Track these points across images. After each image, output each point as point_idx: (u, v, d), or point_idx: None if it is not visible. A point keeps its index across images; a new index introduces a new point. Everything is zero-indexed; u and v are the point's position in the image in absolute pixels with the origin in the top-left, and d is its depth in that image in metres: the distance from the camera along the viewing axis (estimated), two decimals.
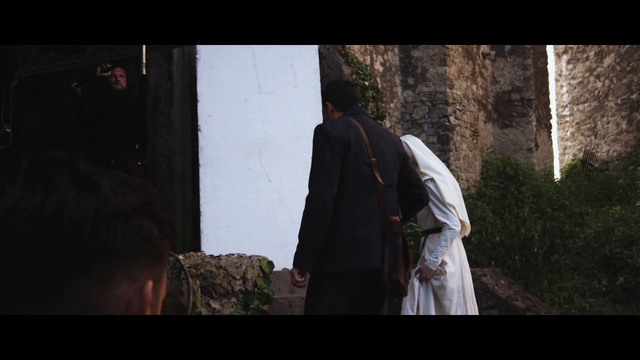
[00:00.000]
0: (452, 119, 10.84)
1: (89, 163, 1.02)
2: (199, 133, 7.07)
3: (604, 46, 15.65)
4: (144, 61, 6.98)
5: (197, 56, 7.15)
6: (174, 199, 7.45)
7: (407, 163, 4.33)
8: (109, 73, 7.14)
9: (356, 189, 3.97)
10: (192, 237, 7.20)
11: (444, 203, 4.92)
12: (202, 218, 6.91)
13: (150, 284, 1.02)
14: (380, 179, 3.99)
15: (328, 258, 3.89)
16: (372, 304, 4.02)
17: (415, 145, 5.16)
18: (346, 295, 3.86)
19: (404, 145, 5.13)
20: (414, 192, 4.31)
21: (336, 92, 4.31)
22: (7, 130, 7.47)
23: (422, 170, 5.04)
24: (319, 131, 4.05)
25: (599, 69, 15.66)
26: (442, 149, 10.68)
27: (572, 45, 16.06)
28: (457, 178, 10.57)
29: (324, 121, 4.31)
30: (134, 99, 7.47)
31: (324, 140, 3.99)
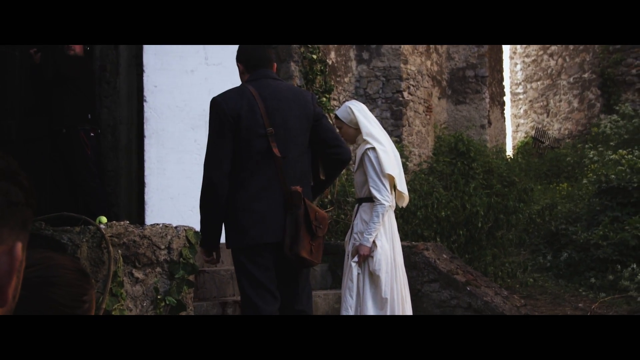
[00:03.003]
0: (405, 94, 10.89)
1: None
2: (145, 104, 7.00)
3: None
4: None
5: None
6: (119, 169, 7.38)
7: (321, 122, 4.15)
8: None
9: (251, 161, 3.89)
10: (137, 209, 7.15)
11: (380, 175, 4.90)
12: (146, 189, 6.86)
13: (19, 244, 1.06)
14: (276, 150, 3.88)
15: (231, 234, 3.91)
16: (287, 276, 4.02)
17: (360, 111, 5.12)
18: (262, 267, 3.85)
19: (348, 112, 5.12)
20: (332, 151, 4.18)
21: (245, 53, 4.15)
22: None
23: (364, 137, 5.01)
24: (210, 105, 3.97)
25: (552, 48, 15.81)
26: (395, 125, 10.73)
27: None
28: (410, 153, 10.65)
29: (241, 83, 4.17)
30: (88, 66, 7.31)
31: (213, 115, 3.93)
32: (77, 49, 7.10)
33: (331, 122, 5.11)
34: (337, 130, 5.22)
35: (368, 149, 4.96)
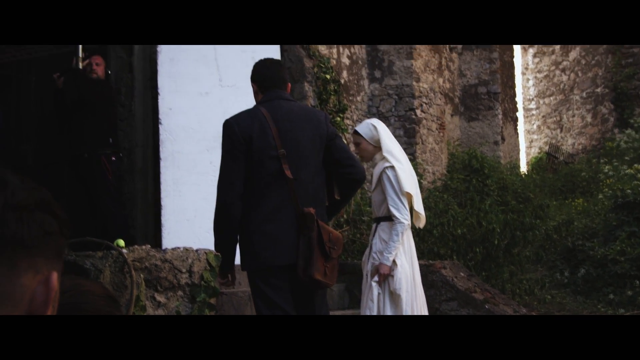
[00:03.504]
0: (418, 112, 10.89)
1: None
2: (160, 126, 7.04)
3: None
4: (80, 55, 6.86)
5: (158, 49, 7.11)
6: (135, 192, 7.41)
7: (335, 142, 4.13)
8: (86, 62, 6.96)
9: (263, 183, 3.88)
10: (154, 231, 7.17)
11: (399, 193, 4.91)
12: (163, 212, 6.89)
13: (55, 274, 1.09)
14: (288, 172, 3.87)
15: (245, 256, 3.91)
16: (303, 297, 3.99)
17: (382, 128, 5.15)
18: (276, 288, 3.83)
19: (371, 129, 5.13)
20: (346, 171, 4.14)
21: (259, 72, 4.14)
22: None
23: (384, 154, 5.02)
24: (223, 128, 3.96)
25: (564, 63, 15.80)
26: (409, 142, 10.72)
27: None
28: (424, 171, 10.64)
29: (255, 103, 4.18)
30: (110, 89, 7.27)
31: (226, 137, 3.93)
32: (99, 71, 7.07)
33: (345, 141, 5.12)
34: (355, 147, 5.23)
35: (387, 167, 4.97)
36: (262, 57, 4.28)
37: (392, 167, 4.95)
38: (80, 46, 6.73)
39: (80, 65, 6.88)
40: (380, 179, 5.01)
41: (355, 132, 5.19)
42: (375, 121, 5.25)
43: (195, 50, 7.26)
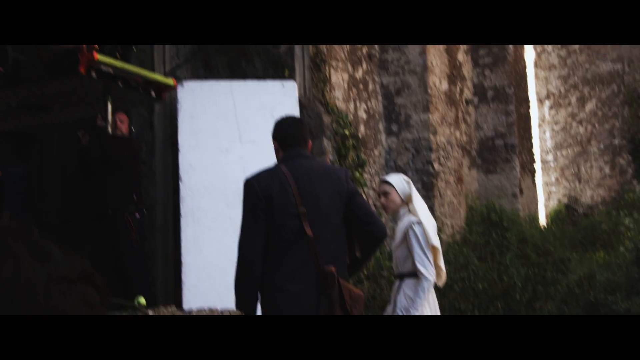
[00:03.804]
0: (436, 165, 10.91)
1: (40, 233, 1.12)
2: (180, 183, 7.08)
3: (585, 92, 15.82)
4: (109, 119, 6.94)
5: (178, 106, 7.18)
6: (155, 249, 7.42)
7: (355, 199, 4.11)
8: (110, 119, 7.00)
9: (284, 242, 3.86)
10: (175, 289, 7.15)
11: (426, 249, 4.90)
12: (183, 269, 6.87)
13: None
14: (309, 230, 3.85)
15: (267, 314, 3.90)
16: None
17: (413, 185, 5.18)
18: None
19: (404, 183, 5.13)
20: (367, 229, 4.11)
21: (280, 130, 4.17)
22: None
23: (416, 209, 5.02)
24: (244, 186, 3.97)
25: (581, 115, 15.81)
26: (427, 196, 10.70)
27: (554, 92, 16.23)
28: (442, 225, 10.60)
29: (276, 160, 4.21)
30: (134, 146, 7.30)
31: (246, 195, 3.93)
32: (124, 128, 7.12)
33: (364, 197, 5.12)
34: (382, 196, 5.20)
35: (414, 223, 4.96)
36: (282, 114, 4.32)
37: (420, 223, 4.95)
38: (109, 106, 6.79)
39: (105, 123, 6.94)
40: (406, 235, 4.99)
41: (386, 182, 5.17)
42: (406, 177, 5.26)
43: (215, 107, 7.33)
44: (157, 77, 2.01)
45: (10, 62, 1.84)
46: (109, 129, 6.89)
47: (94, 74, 1.91)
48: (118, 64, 1.93)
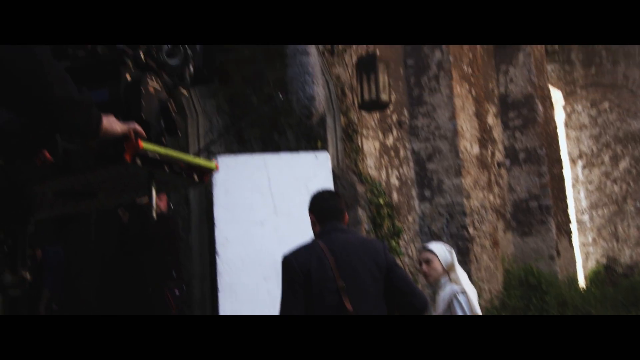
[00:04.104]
0: (471, 229, 10.84)
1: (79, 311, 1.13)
2: (217, 257, 7.10)
3: (618, 150, 15.73)
4: (154, 206, 6.99)
5: (213, 181, 7.27)
6: None
7: (394, 271, 4.11)
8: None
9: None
10: None
11: None
12: None
13: None
14: (348, 304, 3.86)
15: None
16: None
17: (455, 254, 5.16)
18: None
19: (446, 252, 5.10)
20: (407, 300, 4.10)
21: (317, 204, 4.25)
22: (24, 275, 7.42)
23: (460, 279, 4.99)
24: (282, 262, 4.01)
25: (615, 173, 15.69)
26: (463, 261, 10.60)
27: (586, 151, 16.15)
28: (480, 290, 10.47)
29: (313, 233, 4.24)
30: (173, 224, 7.38)
31: (284, 272, 3.97)
32: (162, 206, 7.21)
33: (402, 267, 5.09)
34: (423, 264, 5.16)
35: (458, 292, 4.91)
36: (317, 186, 4.37)
37: (464, 293, 4.91)
38: (154, 191, 6.86)
39: (150, 208, 6.98)
40: (450, 304, 4.94)
41: (429, 250, 5.14)
42: (448, 246, 5.24)
43: (250, 181, 7.40)
44: (200, 161, 2.07)
45: (60, 152, 1.91)
46: (154, 214, 6.94)
47: (138, 161, 1.98)
48: (162, 150, 2.00)
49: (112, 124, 1.94)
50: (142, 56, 2.07)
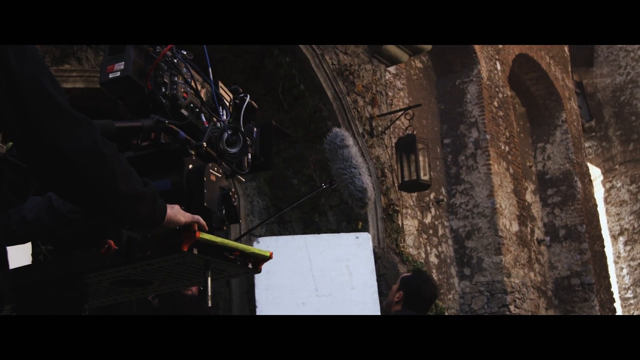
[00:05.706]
0: (512, 307, 10.70)
1: None
2: None
3: None
4: (209, 293, 7.07)
5: None
6: None
7: None
8: None
9: None
10: None
11: None
12: None
13: None
14: None
15: None
16: None
17: None
18: None
19: None
20: None
21: (410, 289, 4.16)
22: None
23: None
24: None
25: None
26: None
27: (627, 227, 16.00)
28: None
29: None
30: (204, 307, 7.38)
31: None
32: (194, 288, 7.25)
33: None
34: None
35: None
36: (358, 266, 4.37)
37: None
38: (209, 280, 6.89)
39: (206, 298, 6.99)
40: None
41: None
42: None
43: (291, 262, 7.43)
44: (255, 250, 2.10)
45: (124, 241, 1.97)
46: (209, 302, 6.96)
47: (195, 251, 2.03)
48: (218, 240, 2.05)
49: (176, 214, 1.99)
50: (204, 145, 2.14)
